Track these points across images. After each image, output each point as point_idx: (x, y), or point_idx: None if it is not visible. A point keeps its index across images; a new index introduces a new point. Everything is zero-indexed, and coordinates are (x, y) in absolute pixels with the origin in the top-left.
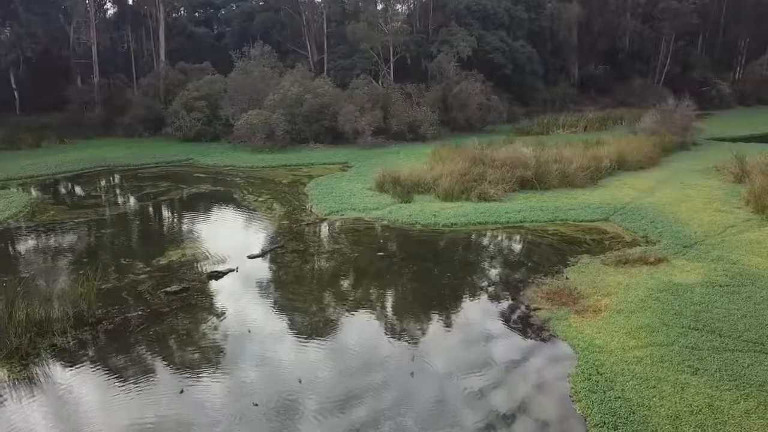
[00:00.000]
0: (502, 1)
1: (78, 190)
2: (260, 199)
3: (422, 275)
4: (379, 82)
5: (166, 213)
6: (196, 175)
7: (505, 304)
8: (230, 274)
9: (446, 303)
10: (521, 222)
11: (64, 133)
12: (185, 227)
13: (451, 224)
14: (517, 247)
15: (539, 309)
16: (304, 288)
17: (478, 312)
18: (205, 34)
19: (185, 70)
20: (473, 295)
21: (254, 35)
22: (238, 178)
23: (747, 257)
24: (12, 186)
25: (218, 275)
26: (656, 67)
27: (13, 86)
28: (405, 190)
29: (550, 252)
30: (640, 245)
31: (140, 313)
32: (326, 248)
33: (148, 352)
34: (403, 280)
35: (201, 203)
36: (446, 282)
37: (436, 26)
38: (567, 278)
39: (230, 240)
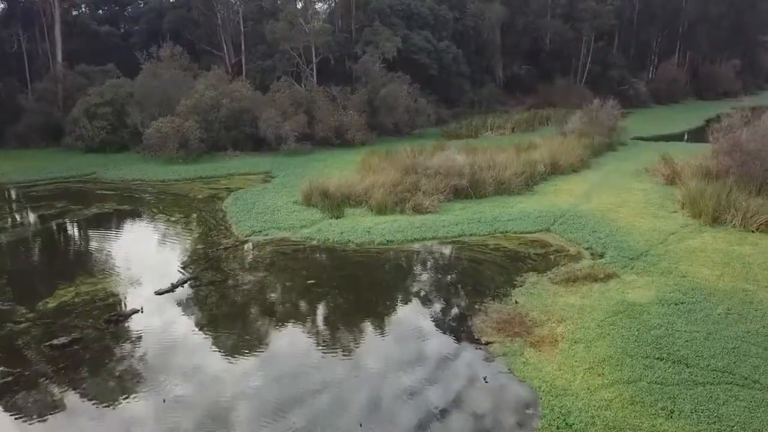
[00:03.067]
0: (426, 0)
1: None
2: (172, 218)
3: (359, 308)
4: (302, 85)
5: (59, 241)
6: (100, 192)
7: (453, 339)
8: (134, 316)
9: (388, 343)
10: (460, 236)
11: None
12: (82, 258)
13: (387, 241)
14: (459, 265)
15: (491, 342)
16: (221, 334)
17: (426, 350)
18: (110, 33)
19: (87, 73)
20: (418, 331)
21: (165, 35)
22: (147, 195)
23: (695, 268)
24: None
25: (119, 319)
26: (577, 66)
27: None
28: (335, 203)
29: (495, 270)
30: (585, 258)
31: (12, 378)
32: (247, 278)
33: None
34: (337, 316)
35: (103, 227)
36: (386, 314)
37: (360, 26)
38: (516, 302)
39: (135, 272)
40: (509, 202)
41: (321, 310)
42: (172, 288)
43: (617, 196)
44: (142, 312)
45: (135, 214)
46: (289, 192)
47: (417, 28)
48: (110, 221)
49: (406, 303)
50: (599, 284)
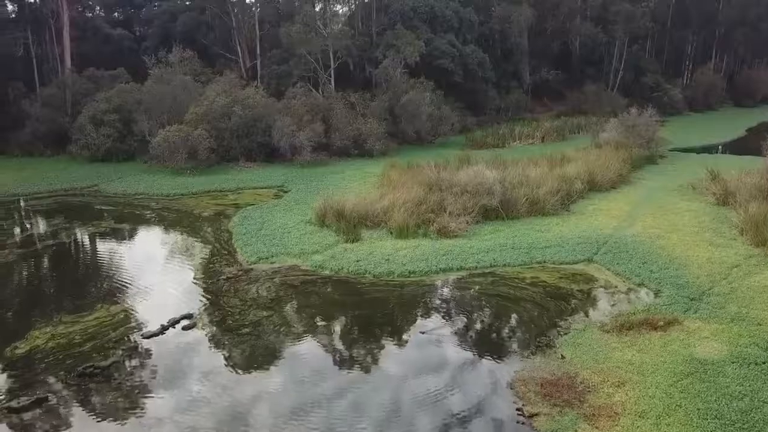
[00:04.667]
0: (450, 2)
1: None
2: (172, 241)
3: (372, 364)
4: (319, 91)
5: (44, 268)
6: (99, 207)
7: (488, 409)
8: (113, 366)
9: (406, 416)
10: (492, 266)
11: None
12: (65, 291)
13: (408, 272)
14: (492, 305)
15: (536, 414)
16: (215, 396)
17: (455, 429)
18: (122, 36)
19: (95, 78)
20: (445, 400)
21: (178, 38)
22: (149, 211)
23: None
24: None
25: (94, 371)
26: (609, 72)
27: None
28: (351, 224)
29: (534, 311)
30: (638, 297)
31: None
32: (247, 319)
33: None
34: (346, 378)
35: (95, 250)
36: (406, 375)
37: (381, 29)
38: (562, 357)
39: (122, 308)
40: (545, 224)
41: (327, 368)
42: (162, 330)
43: (664, 218)
44: (122, 362)
45: (132, 236)
46: (301, 210)
47: (441, 31)
48: (104, 244)
49: (431, 358)
50: (659, 333)
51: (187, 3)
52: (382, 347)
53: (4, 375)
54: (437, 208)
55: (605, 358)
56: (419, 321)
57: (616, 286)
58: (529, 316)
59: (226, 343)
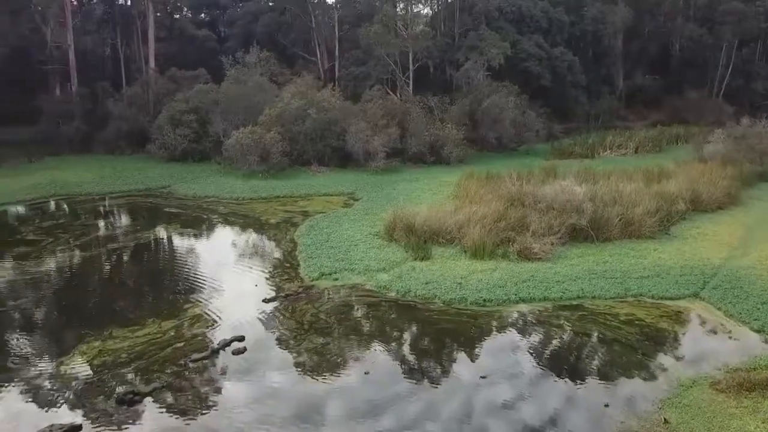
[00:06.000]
0: (539, 1)
1: (11, 229)
2: (234, 250)
3: (435, 417)
4: (397, 94)
5: (100, 274)
6: (168, 209)
7: None
8: (155, 393)
9: None
10: (579, 298)
11: (33, 151)
12: (118, 301)
13: (483, 300)
14: (578, 348)
15: None
16: None
17: None
18: (206, 37)
19: (177, 78)
20: None
21: (259, 39)
22: (216, 216)
23: None
24: None
25: (134, 398)
26: (714, 77)
27: None
28: (421, 240)
29: (629, 358)
30: (756, 343)
31: None
32: (302, 346)
33: None
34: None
35: (155, 259)
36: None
37: (464, 30)
38: (666, 421)
39: (174, 325)
40: (641, 249)
41: (384, 413)
42: (211, 354)
43: None
44: (165, 388)
45: (194, 243)
46: (370, 221)
47: (528, 32)
48: (164, 251)
49: (504, 408)
50: None
51: (270, 4)
52: (446, 393)
53: (46, 395)
54: (518, 225)
55: (721, 427)
56: (488, 361)
57: (729, 331)
58: (622, 364)
59: (276, 376)
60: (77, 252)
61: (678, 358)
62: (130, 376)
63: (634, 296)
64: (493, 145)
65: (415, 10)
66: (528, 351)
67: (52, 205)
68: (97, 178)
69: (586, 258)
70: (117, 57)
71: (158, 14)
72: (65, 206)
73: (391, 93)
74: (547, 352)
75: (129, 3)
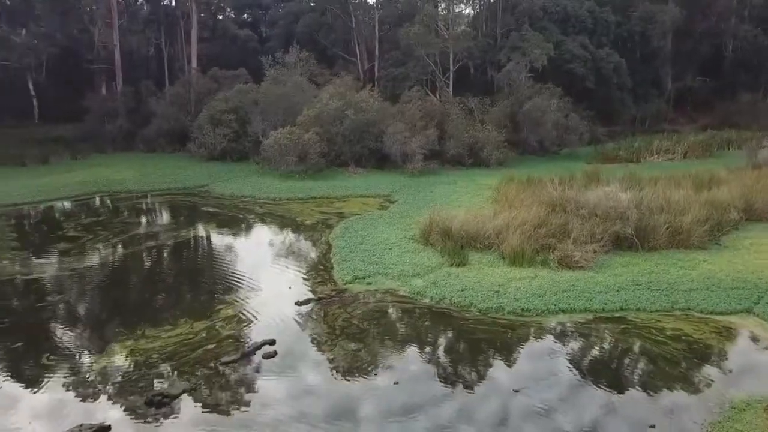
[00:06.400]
0: (585, 1)
1: (53, 225)
2: (268, 251)
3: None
4: (437, 95)
5: (134, 272)
6: (206, 208)
7: None
8: (183, 396)
9: None
10: (622, 310)
11: (78, 148)
12: (151, 299)
13: (521, 310)
14: (623, 362)
15: None
16: None
17: None
18: (248, 37)
19: (218, 78)
20: None
21: (299, 39)
22: (252, 216)
23: None
24: None
25: (162, 400)
26: None
27: (32, 93)
28: (458, 245)
29: (676, 376)
30: None
31: None
32: (333, 352)
33: None
34: None
35: (188, 258)
36: None
37: (506, 30)
38: None
39: (206, 326)
40: (689, 260)
41: (415, 424)
42: (241, 357)
43: None
44: (193, 391)
45: (229, 243)
46: (406, 224)
47: (573, 33)
48: (198, 251)
49: (540, 428)
50: None
51: (311, 4)
52: (481, 411)
53: (76, 394)
54: (560, 232)
55: None
56: (525, 374)
57: None
58: (668, 382)
59: (306, 382)
60: (115, 249)
61: (729, 379)
62: (159, 377)
63: (682, 310)
64: (535, 148)
65: (456, 10)
66: (567, 365)
67: (94, 202)
68: (138, 175)
69: (630, 268)
70: (161, 57)
71: (202, 15)
72: (106, 203)
73: (430, 94)
74: (588, 367)
75: (174, 3)
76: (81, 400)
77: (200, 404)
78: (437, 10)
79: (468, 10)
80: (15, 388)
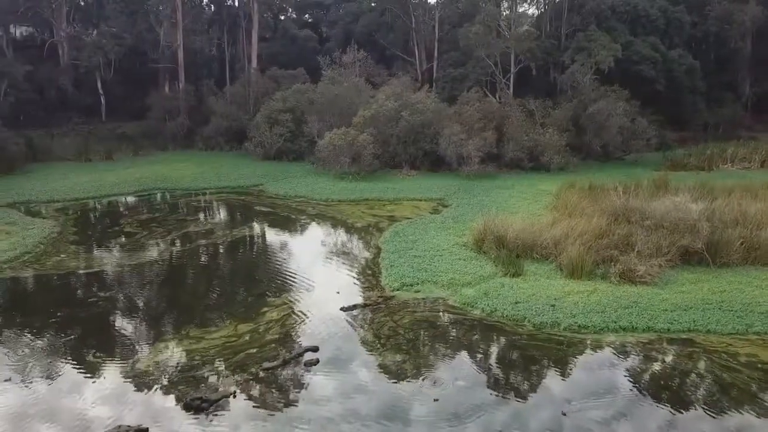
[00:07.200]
0: (657, 0)
1: (111, 220)
2: (317, 254)
3: None
4: (496, 97)
5: (183, 272)
6: (258, 208)
7: None
8: (222, 401)
9: None
10: (690, 331)
11: (140, 145)
12: (198, 299)
13: (578, 327)
14: (690, 390)
15: None
16: None
17: None
18: (308, 37)
19: (276, 77)
20: None
21: (358, 39)
22: (304, 217)
23: None
24: (47, 210)
25: (201, 404)
26: None
27: (100, 91)
28: (513, 254)
29: (751, 409)
30: None
31: None
32: (378, 362)
33: None
34: None
35: (237, 258)
36: None
37: (571, 31)
38: None
39: (250, 329)
40: (764, 277)
41: None
42: (283, 363)
43: None
44: (235, 397)
45: (279, 244)
46: (458, 229)
47: (642, 33)
48: (248, 251)
49: None
50: None
51: (372, 5)
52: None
53: (119, 394)
54: (622, 244)
55: None
56: (578, 396)
57: None
58: (743, 416)
59: (347, 393)
60: (168, 247)
61: None
62: (200, 381)
63: (758, 334)
64: (598, 153)
65: (519, 10)
66: (626, 388)
67: (151, 198)
68: (195, 173)
69: (700, 285)
70: (223, 56)
71: (264, 15)
72: (163, 200)
73: (489, 95)
74: (650, 393)
75: (237, 4)
76: (120, 400)
77: (239, 410)
78: (499, 10)
79: (532, 10)
80: (55, 383)
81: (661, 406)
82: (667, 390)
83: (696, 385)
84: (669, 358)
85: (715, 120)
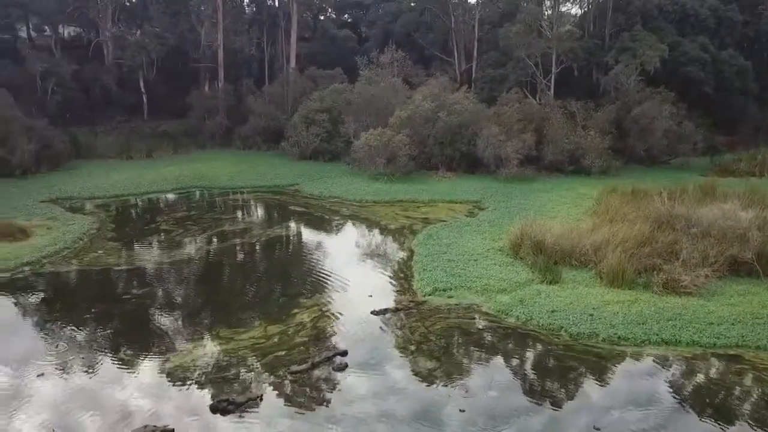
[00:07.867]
0: None
1: (148, 218)
2: (350, 255)
3: None
4: (536, 98)
5: (216, 271)
6: (293, 207)
7: None
8: (249, 404)
9: None
10: (738, 346)
11: (180, 143)
12: (229, 299)
13: (618, 338)
14: (737, 411)
15: None
16: None
17: None
18: (347, 37)
19: (314, 77)
20: None
21: (397, 39)
22: (337, 218)
23: None
24: (89, 206)
25: (228, 407)
26: None
27: (142, 90)
28: (551, 260)
29: None
30: None
31: None
32: (409, 368)
33: None
34: None
35: (270, 258)
36: None
37: (616, 30)
38: None
39: (279, 330)
40: None
41: None
42: (311, 367)
43: None
44: (261, 400)
45: (312, 245)
46: (494, 233)
47: (691, 33)
48: (281, 251)
49: None
50: None
51: (412, 4)
52: None
53: (146, 394)
54: (666, 252)
55: None
56: (615, 413)
57: None
58: None
59: (375, 399)
60: (203, 245)
61: None
62: (227, 382)
63: None
64: (642, 157)
65: (562, 9)
66: (667, 407)
67: (188, 196)
68: (233, 172)
69: (749, 298)
70: (262, 56)
71: (303, 15)
72: (199, 198)
73: (529, 96)
74: (693, 413)
75: (277, 4)
76: (148, 400)
77: (266, 413)
78: (541, 9)
79: (575, 10)
80: (84, 381)
81: (704, 419)
82: (712, 409)
83: (743, 405)
84: (715, 375)
85: (767, 123)
